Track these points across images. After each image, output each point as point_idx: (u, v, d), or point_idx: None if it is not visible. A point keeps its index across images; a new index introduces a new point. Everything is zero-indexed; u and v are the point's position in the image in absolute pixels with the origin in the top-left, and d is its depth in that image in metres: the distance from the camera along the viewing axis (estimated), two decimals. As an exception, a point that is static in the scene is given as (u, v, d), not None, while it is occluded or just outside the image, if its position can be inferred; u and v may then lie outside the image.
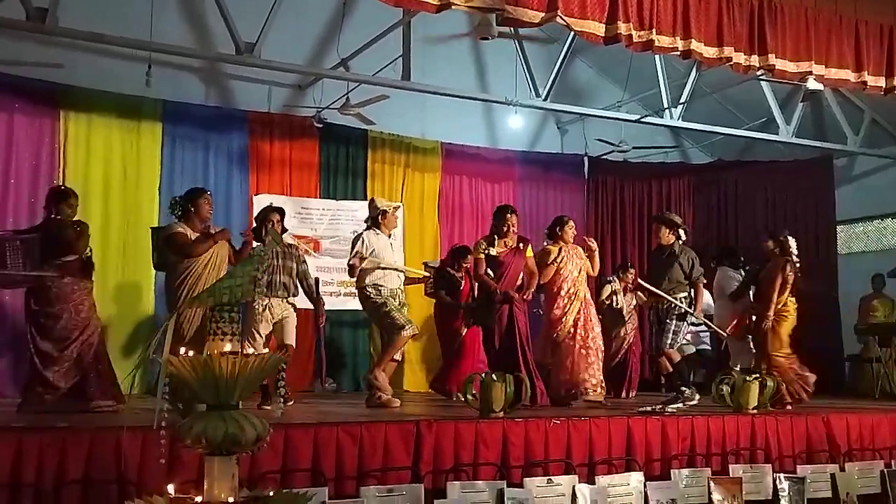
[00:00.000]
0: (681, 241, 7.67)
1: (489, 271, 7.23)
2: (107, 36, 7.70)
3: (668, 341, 7.47)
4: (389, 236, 7.28)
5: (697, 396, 7.32)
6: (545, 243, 7.96)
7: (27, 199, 8.30)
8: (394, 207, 7.44)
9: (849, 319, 10.90)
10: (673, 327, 7.46)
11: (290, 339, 6.94)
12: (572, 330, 7.60)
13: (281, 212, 7.12)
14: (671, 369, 7.53)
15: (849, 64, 7.61)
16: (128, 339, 8.59)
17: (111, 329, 8.33)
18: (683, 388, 7.37)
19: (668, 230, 7.65)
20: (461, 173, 11.01)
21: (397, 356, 7.40)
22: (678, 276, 7.52)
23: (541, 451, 5.46)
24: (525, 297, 7.25)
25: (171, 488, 3.27)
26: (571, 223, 7.92)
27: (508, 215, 7.26)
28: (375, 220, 7.24)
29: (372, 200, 7.61)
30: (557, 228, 7.86)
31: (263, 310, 6.69)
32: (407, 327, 7.00)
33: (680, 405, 7.03)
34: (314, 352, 9.41)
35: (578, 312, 7.64)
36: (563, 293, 7.62)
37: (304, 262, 7.21)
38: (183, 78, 9.49)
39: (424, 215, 10.67)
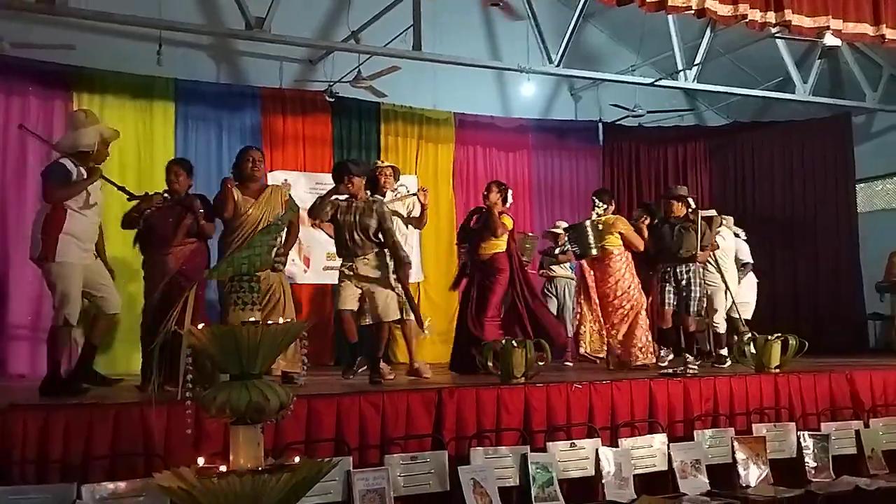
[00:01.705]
0: (691, 209, 7.67)
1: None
2: (116, 15, 7.67)
3: (694, 307, 7.48)
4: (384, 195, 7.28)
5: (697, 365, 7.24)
6: (601, 211, 7.92)
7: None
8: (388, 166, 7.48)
9: (871, 279, 10.82)
10: (697, 292, 7.47)
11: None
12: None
13: (355, 173, 6.64)
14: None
15: (867, 17, 7.53)
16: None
17: (133, 309, 8.39)
18: (686, 356, 7.33)
19: (679, 204, 7.64)
20: (475, 143, 10.96)
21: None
22: (693, 243, 7.53)
23: (563, 415, 5.49)
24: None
25: (200, 460, 3.30)
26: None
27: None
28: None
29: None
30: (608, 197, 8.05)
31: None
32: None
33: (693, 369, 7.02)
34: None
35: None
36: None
37: (389, 220, 6.63)
38: (194, 56, 9.46)
39: (439, 186, 10.61)
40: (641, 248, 7.76)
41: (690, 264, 7.44)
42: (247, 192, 6.16)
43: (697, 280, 7.46)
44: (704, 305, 7.90)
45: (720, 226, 8.44)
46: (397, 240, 6.62)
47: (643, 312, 7.73)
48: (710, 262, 7.94)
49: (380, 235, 6.50)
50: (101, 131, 5.74)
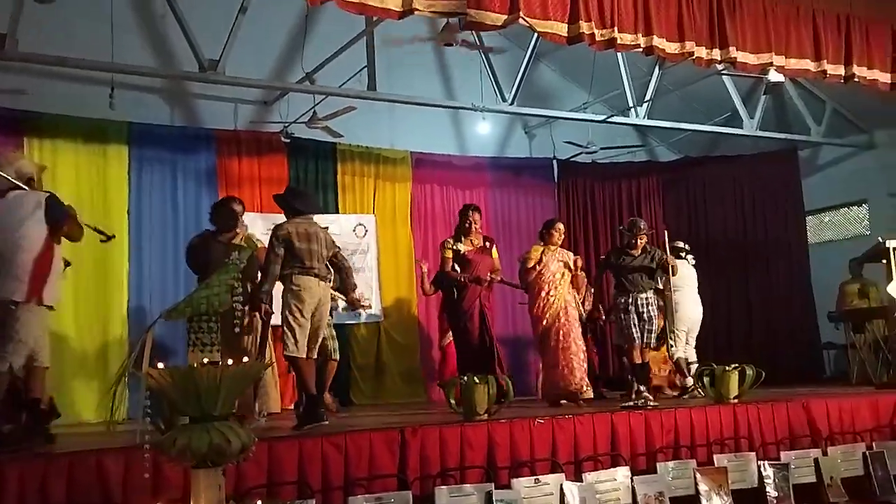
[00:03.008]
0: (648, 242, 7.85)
1: (457, 268, 7.37)
2: (68, 59, 7.63)
3: (652, 339, 7.58)
4: None
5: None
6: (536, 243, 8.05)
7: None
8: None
9: (823, 308, 11.02)
10: (655, 326, 7.57)
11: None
12: (552, 331, 7.67)
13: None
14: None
15: (808, 53, 7.73)
16: (99, 361, 8.46)
17: (82, 350, 8.26)
18: (641, 388, 7.37)
19: (645, 236, 7.76)
20: (432, 182, 11.01)
21: None
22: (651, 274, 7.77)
23: (527, 450, 5.48)
24: (493, 278, 7.47)
25: (157, 506, 3.24)
26: (559, 226, 8.01)
27: (471, 213, 7.53)
28: None
29: None
30: (544, 231, 7.96)
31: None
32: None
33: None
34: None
35: (558, 314, 7.70)
36: (542, 294, 7.69)
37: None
38: (147, 99, 9.41)
39: (397, 226, 10.65)
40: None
41: (651, 294, 7.57)
42: (218, 238, 6.14)
43: (653, 310, 7.59)
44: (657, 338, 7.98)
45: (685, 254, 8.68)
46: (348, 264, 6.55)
47: (548, 342, 7.73)
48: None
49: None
50: (31, 162, 5.56)
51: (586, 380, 7.71)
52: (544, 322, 7.71)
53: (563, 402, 7.51)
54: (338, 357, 7.67)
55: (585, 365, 7.78)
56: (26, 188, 5.22)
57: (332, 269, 6.39)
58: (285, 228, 5.95)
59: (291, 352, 5.76)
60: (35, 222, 5.10)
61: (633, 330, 7.51)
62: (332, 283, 6.60)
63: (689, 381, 8.13)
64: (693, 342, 8.52)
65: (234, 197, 6.87)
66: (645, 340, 7.55)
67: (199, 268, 6.15)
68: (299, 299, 5.82)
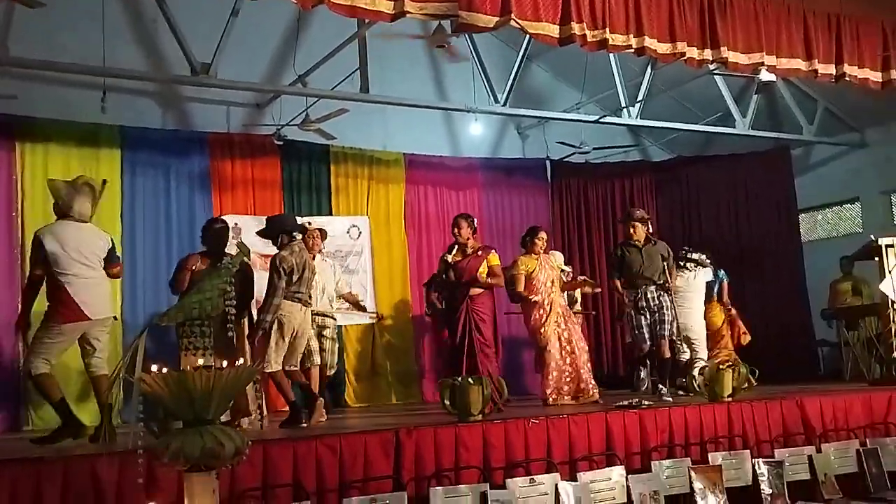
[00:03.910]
0: (651, 232, 7.88)
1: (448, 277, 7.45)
2: (60, 63, 7.63)
3: (667, 331, 7.60)
4: (314, 258, 7.31)
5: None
6: (520, 254, 8.04)
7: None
8: (308, 223, 7.55)
9: (817, 306, 11.06)
10: (669, 316, 7.58)
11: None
12: (555, 339, 7.68)
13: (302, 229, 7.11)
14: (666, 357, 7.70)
15: (799, 53, 7.76)
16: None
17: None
18: (661, 387, 7.45)
19: (642, 225, 7.78)
20: (425, 183, 11.01)
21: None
22: (660, 265, 7.76)
23: (521, 451, 5.48)
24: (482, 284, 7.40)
25: (152, 511, 3.24)
26: (543, 234, 7.99)
27: (460, 221, 7.44)
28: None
29: None
30: (528, 239, 7.93)
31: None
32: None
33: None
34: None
35: (557, 322, 7.74)
36: (538, 305, 7.70)
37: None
38: (139, 103, 9.40)
39: (391, 228, 10.65)
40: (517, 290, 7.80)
41: (660, 289, 7.58)
42: (204, 259, 6.16)
43: (668, 304, 7.59)
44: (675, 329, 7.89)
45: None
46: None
47: (551, 350, 7.69)
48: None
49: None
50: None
51: (593, 381, 7.73)
52: (543, 331, 7.68)
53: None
54: (332, 371, 7.99)
55: (590, 365, 7.81)
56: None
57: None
58: (288, 260, 6.26)
59: (267, 368, 6.15)
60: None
61: (644, 330, 7.56)
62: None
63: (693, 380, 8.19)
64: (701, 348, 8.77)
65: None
66: (659, 333, 7.56)
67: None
68: (280, 324, 6.20)
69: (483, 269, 7.38)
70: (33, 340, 5.39)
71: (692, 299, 8.78)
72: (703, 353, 8.73)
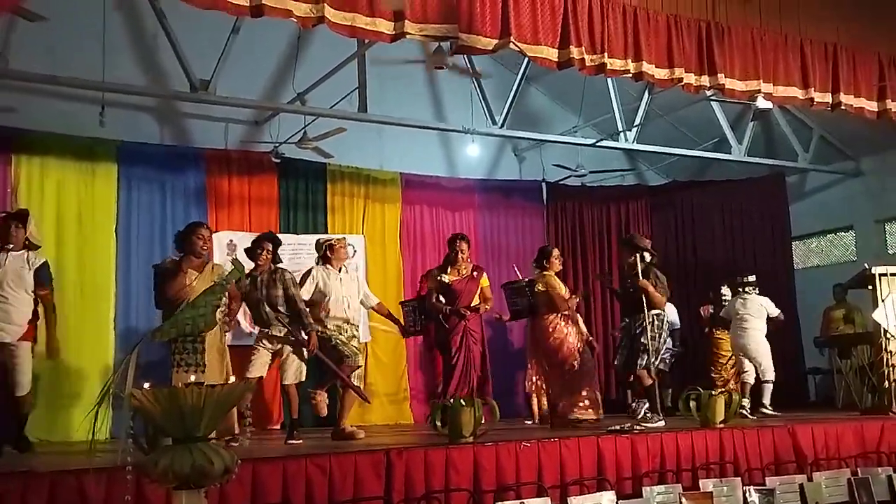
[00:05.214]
0: (645, 262, 7.73)
1: (441, 298, 7.37)
2: (59, 77, 7.64)
3: (644, 362, 7.46)
4: (340, 270, 7.27)
5: (662, 423, 7.26)
6: (534, 272, 8.04)
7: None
8: (337, 239, 7.39)
9: (809, 334, 11.06)
10: (649, 346, 7.45)
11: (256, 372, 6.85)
12: (577, 356, 7.66)
13: (275, 241, 7.05)
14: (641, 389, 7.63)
15: (796, 81, 7.81)
16: (86, 383, 8.40)
17: (68, 371, 8.20)
18: (649, 413, 7.41)
19: (629, 252, 7.75)
20: (421, 203, 11.03)
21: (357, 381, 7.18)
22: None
23: (512, 474, 5.45)
24: (479, 311, 7.44)
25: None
26: (557, 252, 8.02)
27: (458, 242, 7.52)
28: (325, 256, 7.24)
29: (316, 241, 7.60)
30: (544, 259, 7.92)
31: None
32: (349, 357, 6.91)
33: (648, 425, 7.07)
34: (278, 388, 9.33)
35: (576, 340, 7.74)
36: (560, 322, 7.68)
37: (293, 286, 6.88)
38: (137, 118, 9.42)
39: (386, 247, 10.66)
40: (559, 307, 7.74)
41: (641, 316, 7.51)
42: (190, 265, 6.08)
43: (648, 333, 7.48)
44: (656, 359, 7.79)
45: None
46: (303, 308, 6.81)
47: (583, 368, 7.66)
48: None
49: (286, 305, 6.81)
50: None
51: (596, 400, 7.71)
52: (566, 349, 7.62)
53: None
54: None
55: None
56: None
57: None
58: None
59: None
60: None
61: (629, 355, 7.50)
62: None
63: (745, 402, 8.56)
64: (751, 369, 9.03)
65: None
66: (643, 363, 7.42)
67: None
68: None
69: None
70: None
71: (751, 321, 9.05)
72: (769, 374, 8.98)
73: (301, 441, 6.60)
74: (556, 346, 7.60)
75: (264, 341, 6.85)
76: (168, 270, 5.94)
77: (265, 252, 6.86)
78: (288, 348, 6.85)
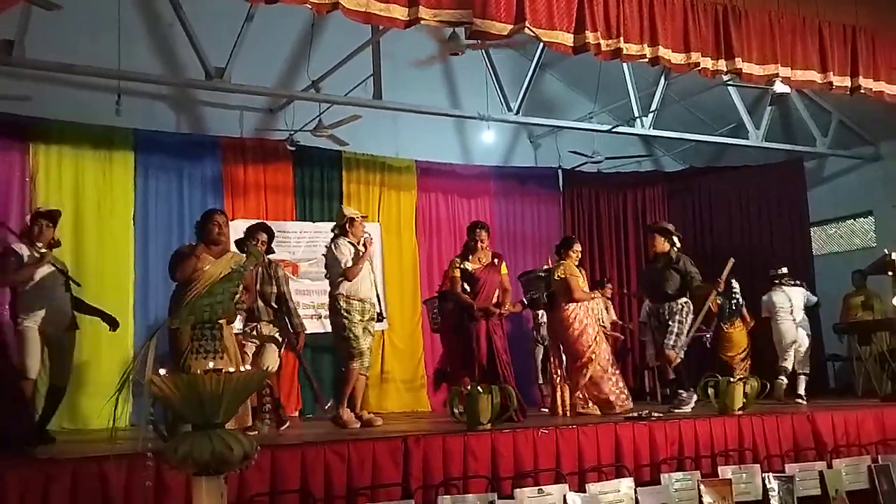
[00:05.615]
0: (676, 249, 7.75)
1: (466, 287, 7.29)
2: (75, 66, 7.65)
3: (671, 342, 7.52)
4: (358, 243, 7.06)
5: (694, 399, 7.36)
6: (554, 261, 8.04)
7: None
8: (361, 216, 7.20)
9: (828, 320, 10.98)
10: (675, 328, 7.52)
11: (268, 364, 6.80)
12: (601, 346, 7.63)
13: (269, 231, 7.01)
14: (671, 375, 7.65)
15: (814, 65, 7.72)
16: (107, 373, 8.44)
17: (90, 362, 8.23)
18: (681, 392, 7.45)
19: (662, 238, 7.74)
20: (437, 190, 11.01)
21: (364, 372, 6.93)
22: (676, 282, 7.68)
23: (530, 461, 5.46)
24: (502, 311, 7.29)
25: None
26: (579, 246, 7.98)
27: (477, 230, 7.42)
28: (343, 227, 6.97)
29: (339, 209, 7.55)
30: (563, 250, 7.89)
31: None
32: (356, 361, 6.70)
33: (682, 409, 7.15)
34: (297, 377, 9.38)
35: (598, 330, 7.75)
36: (582, 314, 7.65)
37: (285, 283, 7.00)
38: (153, 106, 9.44)
39: (402, 234, 10.65)
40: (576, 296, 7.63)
41: (671, 303, 7.54)
42: (208, 252, 6.02)
43: (677, 317, 7.55)
44: (682, 341, 7.77)
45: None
46: (293, 307, 6.95)
47: (603, 360, 7.59)
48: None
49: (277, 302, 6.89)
50: None
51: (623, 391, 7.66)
52: (584, 339, 7.54)
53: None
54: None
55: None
56: None
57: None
58: None
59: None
60: None
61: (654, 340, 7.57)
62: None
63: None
64: (791, 358, 9.13)
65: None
66: (670, 343, 7.55)
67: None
68: None
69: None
70: None
71: (797, 313, 9.23)
72: (787, 363, 9.11)
73: (287, 424, 6.86)
74: (576, 337, 7.57)
75: (252, 336, 6.86)
76: (181, 254, 5.94)
77: (259, 243, 6.74)
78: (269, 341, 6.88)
